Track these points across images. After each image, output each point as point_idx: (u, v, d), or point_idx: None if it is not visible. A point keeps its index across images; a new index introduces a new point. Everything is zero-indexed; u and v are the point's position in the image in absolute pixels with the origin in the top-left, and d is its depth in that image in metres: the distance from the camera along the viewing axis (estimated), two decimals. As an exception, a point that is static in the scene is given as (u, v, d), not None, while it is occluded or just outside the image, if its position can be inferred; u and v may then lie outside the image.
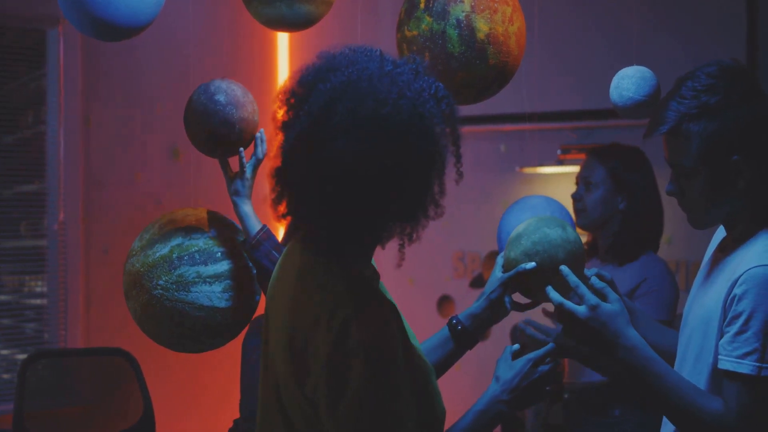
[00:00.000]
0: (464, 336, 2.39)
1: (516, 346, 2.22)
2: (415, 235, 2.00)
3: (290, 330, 1.97)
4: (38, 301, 5.18)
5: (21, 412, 4.03)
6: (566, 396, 3.57)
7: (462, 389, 3.91)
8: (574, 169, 5.60)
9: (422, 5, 2.87)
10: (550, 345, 2.18)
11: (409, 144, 1.88)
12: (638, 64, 2.87)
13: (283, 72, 5.98)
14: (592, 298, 2.20)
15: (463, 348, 2.40)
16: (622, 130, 5.44)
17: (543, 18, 4.60)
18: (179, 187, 5.26)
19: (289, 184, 1.95)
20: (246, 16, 3.06)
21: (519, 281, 2.35)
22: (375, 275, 2.11)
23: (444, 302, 5.89)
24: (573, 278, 2.23)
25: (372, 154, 1.86)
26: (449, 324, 2.41)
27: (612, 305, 2.21)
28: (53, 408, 4.27)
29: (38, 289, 5.19)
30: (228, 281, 2.69)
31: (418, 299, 5.76)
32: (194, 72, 5.04)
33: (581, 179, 3.73)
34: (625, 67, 2.89)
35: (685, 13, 5.29)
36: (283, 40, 6.01)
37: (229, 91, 2.90)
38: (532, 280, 2.32)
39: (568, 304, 2.21)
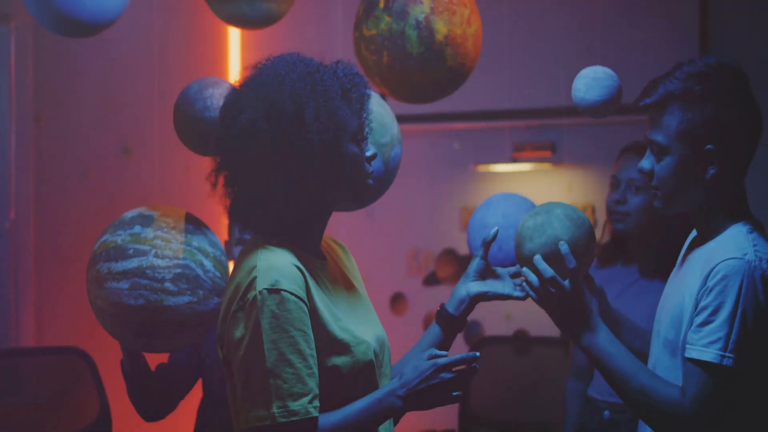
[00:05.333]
0: (445, 318, 2.47)
1: (433, 350, 2.22)
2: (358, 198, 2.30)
3: (224, 295, 2.22)
4: (-12, 301, 5.13)
5: (-26, 412, 3.99)
6: (607, 414, 3.50)
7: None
8: (528, 167, 5.65)
9: (381, 5, 2.90)
10: (460, 355, 2.19)
11: (300, 110, 2.15)
12: (595, 61, 2.88)
13: (234, 68, 5.96)
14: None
15: (450, 331, 2.47)
16: (578, 128, 5.49)
17: (499, 17, 4.63)
18: (131, 185, 5.22)
19: (220, 165, 2.26)
20: (199, 14, 3.05)
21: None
22: (318, 260, 2.29)
23: (397, 300, 5.90)
24: (572, 260, 2.33)
25: (261, 122, 2.15)
26: (437, 311, 2.50)
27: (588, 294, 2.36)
28: (6, 408, 4.22)
29: (-12, 288, 5.14)
30: (136, 279, 2.64)
31: (372, 296, 5.73)
32: (145, 69, 5.01)
33: (625, 181, 3.47)
34: (582, 65, 2.90)
35: (639, 9, 5.35)
36: (234, 36, 5.99)
37: (184, 91, 2.88)
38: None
39: (561, 279, 2.32)
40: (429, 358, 2.17)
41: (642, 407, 2.23)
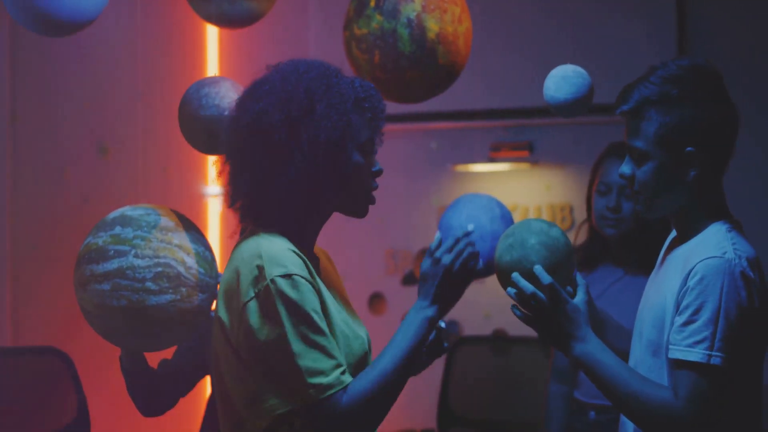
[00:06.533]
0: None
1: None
2: (355, 206, 2.31)
3: (222, 285, 2.25)
4: (-37, 300, 5.09)
5: (-51, 413, 3.96)
6: (592, 415, 3.54)
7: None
8: (506, 167, 5.66)
9: (372, 3, 2.90)
10: (437, 237, 2.30)
11: (312, 107, 2.18)
12: (573, 61, 2.88)
13: (212, 68, 5.94)
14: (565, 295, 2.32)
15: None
16: (555, 128, 5.51)
17: (475, 17, 4.62)
18: (108, 184, 5.20)
19: (228, 153, 2.29)
20: (177, 13, 3.04)
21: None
22: (313, 259, 2.32)
23: (375, 299, 5.90)
24: (546, 276, 2.31)
25: (274, 111, 2.18)
26: None
27: (578, 300, 2.33)
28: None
29: (-38, 288, 5.10)
30: (116, 280, 2.63)
31: (350, 296, 5.76)
32: (123, 69, 4.99)
33: (615, 187, 3.45)
34: (559, 65, 2.90)
35: (617, 8, 5.37)
36: (212, 35, 5.97)
37: (186, 91, 2.88)
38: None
39: (540, 293, 2.30)
40: None
41: (636, 412, 2.23)
